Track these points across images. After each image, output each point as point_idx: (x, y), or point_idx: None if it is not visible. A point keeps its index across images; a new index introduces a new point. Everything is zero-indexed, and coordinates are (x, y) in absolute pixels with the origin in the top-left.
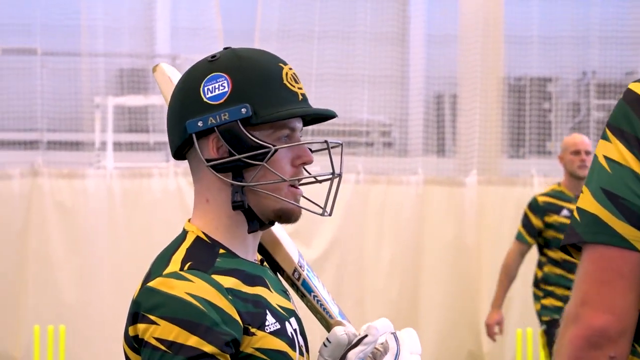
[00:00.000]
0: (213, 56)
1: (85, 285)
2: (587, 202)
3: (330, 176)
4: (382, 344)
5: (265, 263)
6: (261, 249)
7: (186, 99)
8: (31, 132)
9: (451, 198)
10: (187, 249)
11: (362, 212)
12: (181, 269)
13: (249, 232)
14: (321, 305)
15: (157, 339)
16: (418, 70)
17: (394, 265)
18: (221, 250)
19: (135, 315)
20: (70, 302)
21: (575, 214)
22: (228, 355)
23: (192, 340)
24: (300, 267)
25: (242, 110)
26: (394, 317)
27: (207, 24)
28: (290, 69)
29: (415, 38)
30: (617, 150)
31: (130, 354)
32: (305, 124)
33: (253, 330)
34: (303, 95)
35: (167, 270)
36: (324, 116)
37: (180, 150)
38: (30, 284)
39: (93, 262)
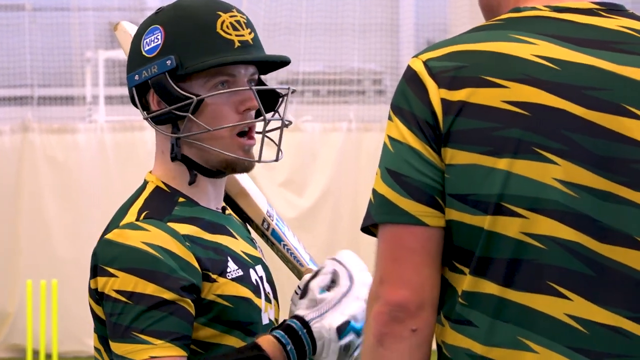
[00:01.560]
0: (160, 9)
1: (77, 239)
2: (378, 183)
3: (262, 121)
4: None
5: (227, 211)
6: (231, 201)
7: (131, 53)
8: (21, 88)
9: None
10: (146, 199)
11: (355, 160)
12: (137, 219)
13: (189, 184)
14: (292, 253)
15: (117, 291)
16: (408, 17)
17: None
18: (181, 199)
19: (95, 269)
20: (63, 256)
21: (371, 195)
22: (189, 300)
23: (151, 289)
24: (270, 216)
25: (167, 62)
26: None
27: None
28: (233, 16)
29: None
30: (397, 128)
31: (95, 307)
32: (263, 72)
33: (214, 276)
34: (243, 42)
35: (124, 222)
36: (279, 62)
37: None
38: (23, 238)
39: (86, 216)
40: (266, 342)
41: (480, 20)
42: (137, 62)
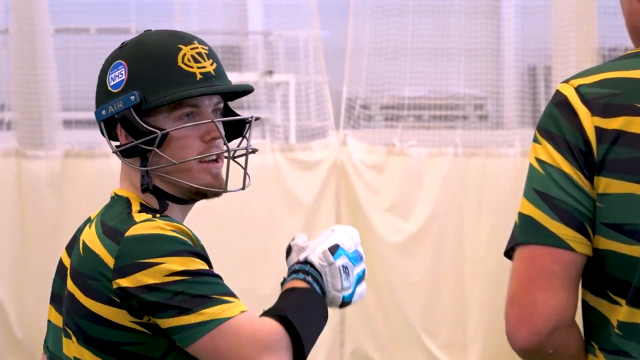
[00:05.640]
0: (123, 43)
1: None
2: (523, 205)
3: (226, 153)
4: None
5: None
6: None
7: (98, 87)
8: None
9: None
10: (141, 209)
11: (461, 185)
12: (153, 217)
13: (160, 212)
14: None
15: (172, 274)
16: (511, 42)
17: (493, 237)
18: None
19: (129, 267)
20: None
21: (516, 218)
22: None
23: (199, 264)
24: None
25: (131, 97)
26: (494, 289)
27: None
28: (194, 48)
29: (507, 10)
30: (546, 151)
31: (106, 309)
32: (228, 99)
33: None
34: (205, 73)
35: (140, 219)
36: (241, 91)
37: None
38: None
39: None
40: (291, 284)
41: (584, 45)
42: (104, 96)
